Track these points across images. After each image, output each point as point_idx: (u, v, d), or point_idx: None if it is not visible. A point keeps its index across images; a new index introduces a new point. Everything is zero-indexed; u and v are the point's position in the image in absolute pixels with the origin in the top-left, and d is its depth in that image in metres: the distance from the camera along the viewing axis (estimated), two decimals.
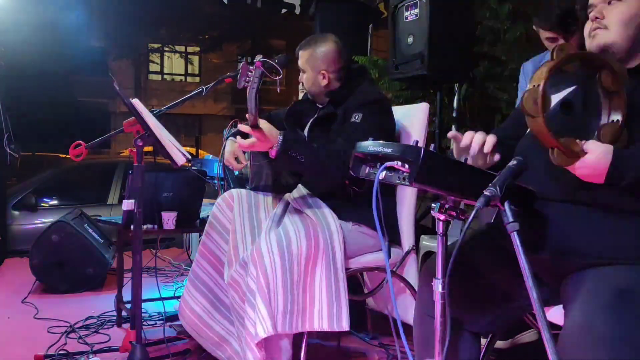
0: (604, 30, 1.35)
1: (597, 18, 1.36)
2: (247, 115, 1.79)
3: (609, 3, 1.36)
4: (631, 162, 1.20)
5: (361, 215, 2.02)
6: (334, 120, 2.15)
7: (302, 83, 2.26)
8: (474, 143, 1.36)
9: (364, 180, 1.35)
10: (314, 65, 2.20)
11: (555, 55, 1.22)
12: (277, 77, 1.79)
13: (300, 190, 2.14)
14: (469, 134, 1.38)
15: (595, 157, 1.18)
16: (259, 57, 1.79)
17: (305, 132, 2.25)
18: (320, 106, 2.27)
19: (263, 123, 1.81)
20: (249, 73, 1.76)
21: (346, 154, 1.74)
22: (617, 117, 1.25)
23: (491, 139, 1.36)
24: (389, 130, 2.15)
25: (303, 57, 2.23)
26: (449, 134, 1.42)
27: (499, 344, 2.34)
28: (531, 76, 1.21)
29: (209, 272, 2.14)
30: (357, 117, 2.06)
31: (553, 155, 1.19)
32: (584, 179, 1.23)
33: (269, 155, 1.88)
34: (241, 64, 1.79)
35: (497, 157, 1.39)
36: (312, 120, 2.25)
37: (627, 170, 1.19)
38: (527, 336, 2.42)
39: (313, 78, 2.21)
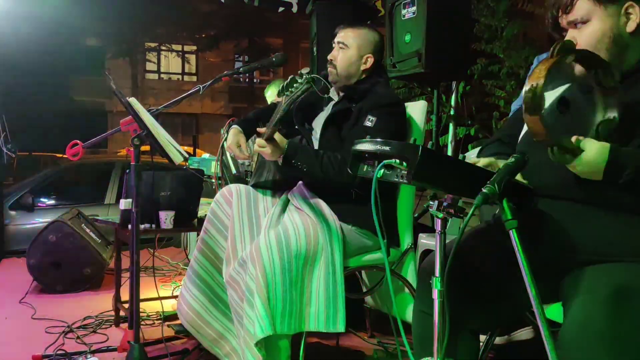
0: None
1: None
2: (264, 130, 1.87)
3: (576, 26, 1.36)
4: (629, 159, 1.20)
5: (362, 218, 2.00)
6: (348, 117, 2.11)
7: (332, 60, 2.17)
8: None
9: (368, 184, 1.33)
10: (362, 45, 2.14)
11: (555, 53, 1.21)
12: (326, 95, 1.80)
13: (301, 188, 2.13)
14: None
15: (592, 155, 1.18)
16: (306, 70, 1.77)
17: (319, 129, 2.17)
18: (334, 100, 2.23)
19: (276, 135, 1.87)
20: (295, 85, 1.73)
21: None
22: (613, 114, 1.25)
23: None
24: (401, 136, 2.13)
25: (352, 33, 2.16)
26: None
27: (496, 340, 2.33)
28: (529, 74, 1.20)
29: (207, 269, 2.13)
30: (370, 121, 2.01)
31: (552, 153, 1.20)
32: (582, 177, 1.23)
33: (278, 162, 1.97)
34: (291, 76, 1.77)
35: None
36: (327, 117, 2.17)
37: (624, 167, 1.19)
38: (524, 333, 2.42)
39: (355, 57, 2.14)
